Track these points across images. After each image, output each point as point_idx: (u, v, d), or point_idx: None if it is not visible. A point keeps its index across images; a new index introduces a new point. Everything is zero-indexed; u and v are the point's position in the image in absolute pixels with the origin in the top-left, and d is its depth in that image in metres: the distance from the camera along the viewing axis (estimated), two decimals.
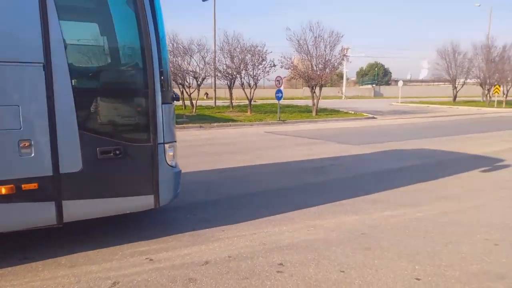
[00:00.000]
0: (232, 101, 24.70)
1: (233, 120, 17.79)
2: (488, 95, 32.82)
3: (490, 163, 8.24)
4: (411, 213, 4.94)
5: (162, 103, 3.74)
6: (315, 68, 20.24)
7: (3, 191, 3.14)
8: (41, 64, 3.23)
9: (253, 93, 21.46)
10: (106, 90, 3.80)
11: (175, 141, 4.02)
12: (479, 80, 34.40)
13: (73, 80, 3.38)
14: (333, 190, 6.18)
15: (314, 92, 20.96)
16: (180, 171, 4.15)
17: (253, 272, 3.36)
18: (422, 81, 77.14)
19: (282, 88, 18.43)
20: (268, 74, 21.09)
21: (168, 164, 3.88)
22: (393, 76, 80.00)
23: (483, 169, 7.63)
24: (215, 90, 28.57)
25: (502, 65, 32.30)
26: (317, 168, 7.77)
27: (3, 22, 3.12)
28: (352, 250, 3.83)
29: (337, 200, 5.51)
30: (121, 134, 3.69)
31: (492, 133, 13.93)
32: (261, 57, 20.46)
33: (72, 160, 3.43)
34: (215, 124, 16.47)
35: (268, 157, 8.94)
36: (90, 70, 4.01)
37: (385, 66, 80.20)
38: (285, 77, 22.43)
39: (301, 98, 40.55)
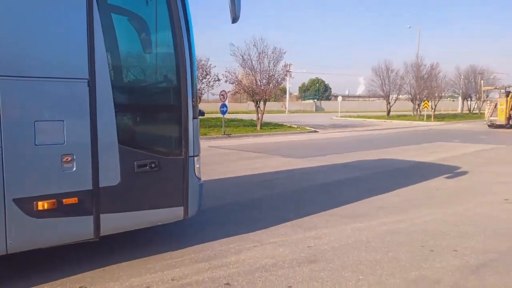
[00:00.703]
0: None
1: None
2: (418, 109, 35.45)
3: (422, 173, 8.81)
4: (352, 224, 5.08)
5: (193, 118, 3.92)
6: (259, 83, 20.58)
7: (46, 206, 3.13)
8: (86, 80, 3.29)
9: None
10: (145, 105, 4.02)
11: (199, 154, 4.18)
12: (410, 96, 37.11)
13: (115, 96, 3.48)
14: (279, 204, 6.20)
15: (259, 106, 21.26)
16: (203, 183, 4.21)
17: None
18: (359, 96, 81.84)
19: (226, 102, 18.49)
20: (213, 88, 21.12)
21: (196, 176, 4.03)
22: (333, 92, 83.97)
23: (416, 179, 8.12)
24: None
25: (430, 82, 35.22)
26: (263, 182, 7.79)
27: (52, 40, 3.18)
28: (299, 264, 3.83)
29: (283, 214, 5.52)
30: (156, 147, 3.85)
31: (423, 144, 15.01)
32: (205, 71, 20.41)
33: (111, 174, 3.48)
34: None
35: (214, 173, 8.80)
36: (130, 86, 4.15)
37: (326, 82, 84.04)
38: (229, 91, 22.57)
39: (245, 112, 40.97)
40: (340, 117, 37.57)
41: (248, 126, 22.20)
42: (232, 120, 24.96)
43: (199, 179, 4.11)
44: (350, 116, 38.38)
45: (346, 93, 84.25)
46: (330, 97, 78.78)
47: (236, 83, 21.08)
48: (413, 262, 3.91)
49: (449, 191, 7.10)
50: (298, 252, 4.12)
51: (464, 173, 8.89)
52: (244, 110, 46.82)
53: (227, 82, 20.87)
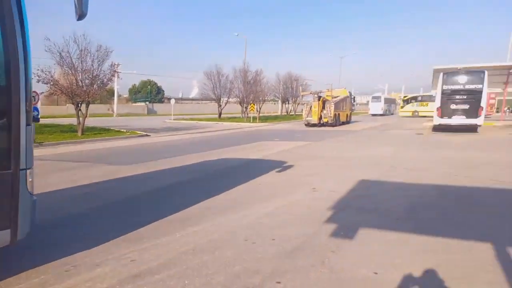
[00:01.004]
0: None
1: None
2: (245, 112, 38.41)
3: (248, 171, 9.46)
4: (181, 229, 4.98)
5: (26, 125, 3.37)
6: (80, 83, 18.54)
7: None
8: None
9: None
10: None
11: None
12: (238, 99, 39.86)
13: None
14: (101, 218, 5.60)
15: (80, 109, 19.17)
16: (37, 199, 3.65)
17: None
18: (192, 99, 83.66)
19: (38, 105, 15.95)
20: None
21: (29, 192, 3.50)
22: (166, 94, 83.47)
23: (243, 176, 8.64)
24: None
25: (255, 86, 38.63)
26: (83, 195, 6.95)
27: None
28: (120, 282, 3.48)
29: (105, 229, 5.01)
30: None
31: (250, 144, 16.25)
32: None
33: None
34: None
35: None
36: None
37: (158, 84, 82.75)
38: (42, 92, 19.60)
39: (65, 116, 36.68)
40: (174, 120, 37.46)
41: (66, 132, 19.69)
42: (46, 126, 21.74)
43: (32, 194, 3.57)
44: (183, 119, 38.68)
45: (180, 95, 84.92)
46: (163, 100, 78.00)
47: (52, 83, 18.44)
48: (237, 256, 4.06)
49: (270, 185, 7.79)
50: (119, 269, 3.75)
51: (282, 168, 9.95)
52: (63, 114, 41.84)
53: (40, 82, 17.99)
